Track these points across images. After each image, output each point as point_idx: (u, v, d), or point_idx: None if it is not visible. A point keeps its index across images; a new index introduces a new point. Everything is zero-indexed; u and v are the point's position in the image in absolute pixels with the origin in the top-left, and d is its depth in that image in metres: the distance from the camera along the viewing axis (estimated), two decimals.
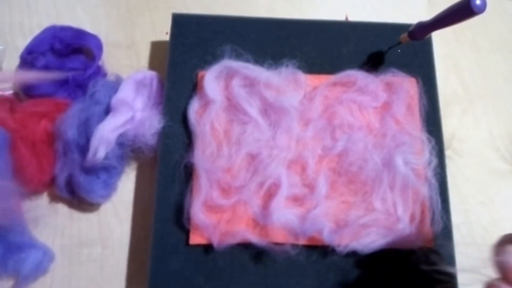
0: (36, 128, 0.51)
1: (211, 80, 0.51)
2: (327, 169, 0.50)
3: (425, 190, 0.49)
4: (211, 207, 0.48)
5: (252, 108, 0.50)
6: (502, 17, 0.65)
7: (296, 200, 0.49)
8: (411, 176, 0.48)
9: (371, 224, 0.47)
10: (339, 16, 0.63)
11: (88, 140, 0.49)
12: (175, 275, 0.47)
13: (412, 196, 0.48)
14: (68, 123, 0.50)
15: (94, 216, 0.53)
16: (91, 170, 0.50)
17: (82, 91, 0.54)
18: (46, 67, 0.54)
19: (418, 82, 0.53)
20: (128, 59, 0.60)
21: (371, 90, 0.52)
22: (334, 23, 0.58)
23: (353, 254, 0.47)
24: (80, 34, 0.57)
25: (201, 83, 0.52)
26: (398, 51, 0.55)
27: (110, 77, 0.57)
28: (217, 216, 0.48)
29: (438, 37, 0.59)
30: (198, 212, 0.47)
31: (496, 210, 0.55)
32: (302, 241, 0.47)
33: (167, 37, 0.57)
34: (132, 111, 0.52)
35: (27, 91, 0.55)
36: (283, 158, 0.49)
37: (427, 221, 0.48)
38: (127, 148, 0.52)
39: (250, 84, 0.52)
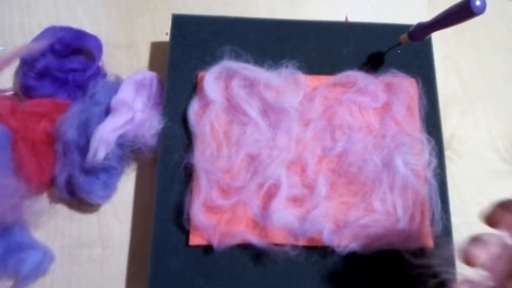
0: (36, 129, 0.51)
1: (211, 80, 0.51)
2: (327, 170, 0.50)
3: (425, 191, 0.49)
4: (211, 208, 0.48)
5: (252, 109, 0.50)
6: (502, 17, 0.65)
7: (296, 201, 0.49)
8: (410, 177, 0.48)
9: (371, 225, 0.47)
10: (339, 17, 0.63)
11: (88, 141, 0.49)
12: (175, 276, 0.47)
13: (412, 197, 0.48)
14: (68, 124, 0.50)
15: (94, 217, 0.53)
16: (91, 171, 0.50)
17: (82, 92, 0.54)
18: (46, 68, 0.54)
19: (418, 83, 0.53)
20: (128, 59, 0.60)
21: (371, 91, 0.52)
22: (334, 23, 0.58)
23: (353, 254, 0.47)
24: (80, 34, 0.57)
25: (201, 83, 0.52)
26: (398, 51, 0.55)
27: (110, 78, 0.57)
28: (217, 217, 0.48)
29: (438, 38, 0.59)
30: (198, 213, 0.47)
31: None
32: (302, 242, 0.47)
33: (167, 38, 0.57)
34: (132, 111, 0.52)
35: (27, 92, 0.55)
36: (283, 158, 0.49)
37: (427, 221, 0.48)
38: (127, 149, 0.52)
39: (250, 84, 0.52)
